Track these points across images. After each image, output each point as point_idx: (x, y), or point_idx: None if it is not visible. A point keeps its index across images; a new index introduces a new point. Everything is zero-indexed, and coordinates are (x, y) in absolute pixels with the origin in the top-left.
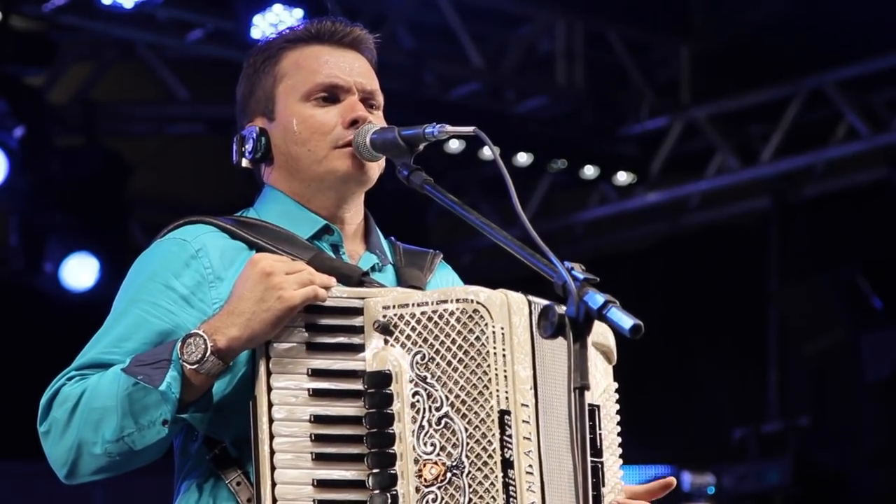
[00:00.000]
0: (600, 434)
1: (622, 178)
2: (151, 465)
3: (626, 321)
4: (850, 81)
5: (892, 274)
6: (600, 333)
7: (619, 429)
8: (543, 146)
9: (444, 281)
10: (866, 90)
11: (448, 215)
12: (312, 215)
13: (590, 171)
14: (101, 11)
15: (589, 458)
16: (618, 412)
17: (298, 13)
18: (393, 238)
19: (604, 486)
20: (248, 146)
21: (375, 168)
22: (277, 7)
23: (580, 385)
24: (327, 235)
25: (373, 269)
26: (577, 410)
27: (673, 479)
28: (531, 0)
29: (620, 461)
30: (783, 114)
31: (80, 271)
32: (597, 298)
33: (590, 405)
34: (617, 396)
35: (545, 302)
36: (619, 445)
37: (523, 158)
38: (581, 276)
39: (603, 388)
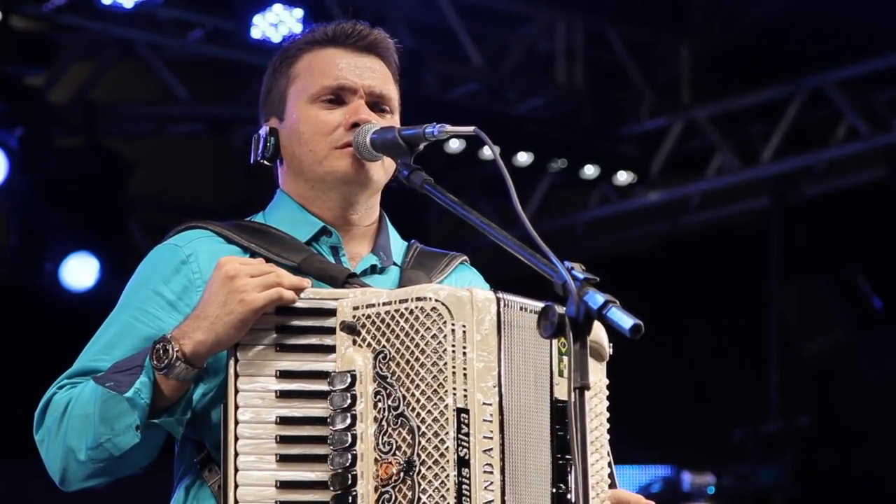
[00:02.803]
0: (580, 429)
1: (622, 178)
2: (153, 465)
3: (627, 321)
4: (850, 81)
5: (892, 274)
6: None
7: (607, 426)
8: (543, 146)
9: (460, 283)
10: (866, 90)
11: (448, 215)
12: (312, 218)
13: (590, 171)
14: (101, 11)
15: (556, 456)
16: (609, 409)
17: (298, 13)
18: (414, 241)
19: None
20: (259, 146)
21: (378, 169)
22: (277, 7)
23: (580, 385)
24: (325, 237)
25: (372, 269)
26: (577, 410)
27: None
28: (531, 0)
29: (607, 459)
30: (783, 114)
31: (80, 271)
32: (597, 298)
33: (561, 402)
34: (607, 393)
35: (518, 299)
36: (609, 442)
37: (523, 158)
38: (581, 276)
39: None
